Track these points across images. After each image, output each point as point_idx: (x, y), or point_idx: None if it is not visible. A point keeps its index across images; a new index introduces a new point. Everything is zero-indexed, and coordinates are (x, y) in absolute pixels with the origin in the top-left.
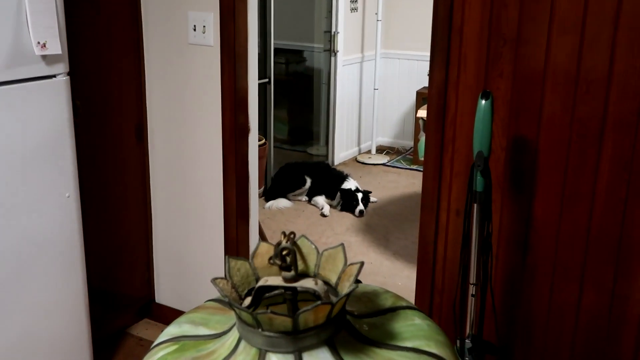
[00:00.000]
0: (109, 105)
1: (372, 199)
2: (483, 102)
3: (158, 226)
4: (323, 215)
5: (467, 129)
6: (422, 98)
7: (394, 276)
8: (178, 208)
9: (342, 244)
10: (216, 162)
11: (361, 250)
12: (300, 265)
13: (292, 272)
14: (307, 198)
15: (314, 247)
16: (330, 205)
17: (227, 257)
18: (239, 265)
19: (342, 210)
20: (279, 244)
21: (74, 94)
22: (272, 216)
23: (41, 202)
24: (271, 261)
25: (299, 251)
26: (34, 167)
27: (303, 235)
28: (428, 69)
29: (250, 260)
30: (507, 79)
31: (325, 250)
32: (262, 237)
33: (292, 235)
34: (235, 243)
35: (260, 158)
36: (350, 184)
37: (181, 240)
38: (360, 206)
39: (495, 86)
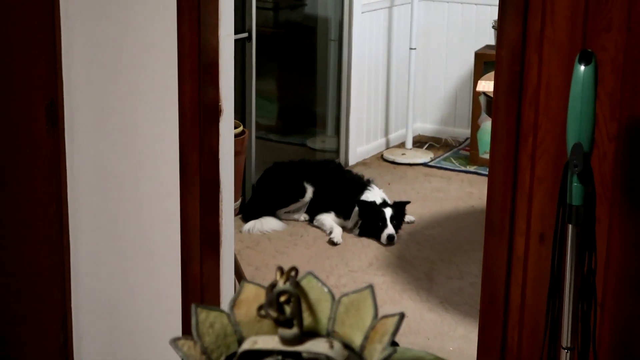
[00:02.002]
0: (3, 73)
1: (407, 217)
2: (582, 68)
3: (80, 261)
4: (332, 242)
5: (557, 110)
6: (484, 63)
7: (442, 336)
8: (111, 232)
9: (371, 286)
10: (170, 161)
11: (391, 296)
12: (307, 319)
13: (295, 330)
14: (307, 216)
15: (327, 290)
16: (343, 228)
17: (194, 306)
18: (213, 318)
19: (361, 234)
20: (272, 285)
21: None
22: (253, 244)
23: None
24: (262, 312)
25: (304, 297)
26: None
27: (310, 273)
28: (495, 18)
29: (229, 311)
30: (619, 32)
31: (345, 295)
32: (239, 275)
33: (293, 273)
34: (199, 285)
35: (237, 154)
36: (373, 195)
37: (116, 282)
38: (390, 229)
39: (599, 44)
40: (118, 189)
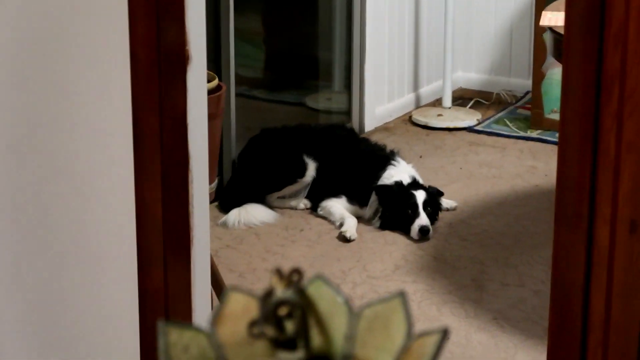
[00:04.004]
0: None
1: (446, 203)
2: None
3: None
4: (344, 238)
5: None
6: None
7: None
8: (39, 232)
9: (403, 293)
10: (119, 130)
11: (427, 311)
12: (316, 339)
13: (300, 353)
14: (308, 203)
15: (342, 300)
16: (359, 218)
17: (162, 324)
18: (187, 339)
19: (383, 227)
20: (268, 294)
21: None
22: (236, 242)
23: None
24: (255, 330)
25: (311, 309)
26: None
27: (319, 276)
28: None
29: (210, 330)
30: None
31: (367, 307)
32: (217, 285)
33: (296, 277)
34: (163, 298)
35: (211, 118)
36: (399, 173)
37: (49, 300)
38: (423, 219)
39: None
40: (46, 171)
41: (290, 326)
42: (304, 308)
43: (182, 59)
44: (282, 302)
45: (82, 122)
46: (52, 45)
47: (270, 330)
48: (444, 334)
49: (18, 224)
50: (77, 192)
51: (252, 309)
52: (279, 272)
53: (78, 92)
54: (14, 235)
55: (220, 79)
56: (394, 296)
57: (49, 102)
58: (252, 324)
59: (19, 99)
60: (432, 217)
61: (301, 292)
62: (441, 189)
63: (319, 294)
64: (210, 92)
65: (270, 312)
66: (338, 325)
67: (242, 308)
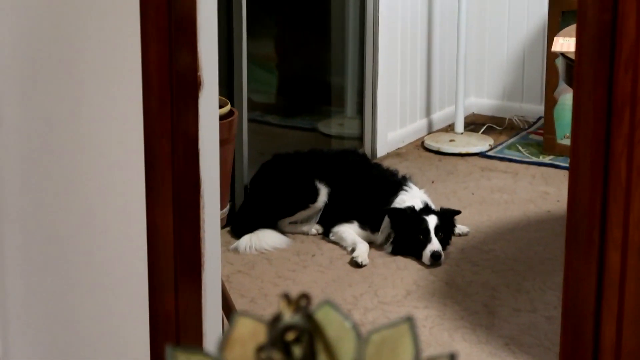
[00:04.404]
0: None
1: (458, 228)
2: None
3: (8, 295)
4: (356, 263)
5: None
6: (561, 13)
7: None
8: (50, 254)
9: (410, 318)
10: (131, 153)
11: (438, 336)
12: None
13: None
14: (320, 228)
15: (350, 325)
16: (371, 243)
17: (170, 348)
18: None
19: (395, 252)
20: (276, 318)
21: None
22: (247, 267)
23: None
24: (263, 355)
25: (319, 334)
26: None
27: (327, 302)
28: None
29: (218, 354)
30: None
31: (375, 332)
32: (228, 310)
33: (304, 302)
34: (174, 324)
35: (223, 144)
36: (411, 198)
37: (59, 324)
38: (435, 244)
39: None
40: (59, 194)
41: (297, 351)
42: (311, 333)
43: (194, 84)
44: (289, 327)
45: (94, 146)
46: (65, 69)
47: (277, 355)
48: (452, 358)
49: (29, 247)
50: (88, 215)
51: (260, 334)
52: (287, 297)
53: (91, 116)
54: (25, 256)
55: (232, 105)
56: (402, 321)
57: (62, 125)
58: (260, 348)
59: (32, 123)
60: (444, 242)
61: (309, 317)
62: (454, 211)
63: (327, 318)
64: (222, 117)
65: (277, 336)
66: (346, 351)
67: (250, 333)
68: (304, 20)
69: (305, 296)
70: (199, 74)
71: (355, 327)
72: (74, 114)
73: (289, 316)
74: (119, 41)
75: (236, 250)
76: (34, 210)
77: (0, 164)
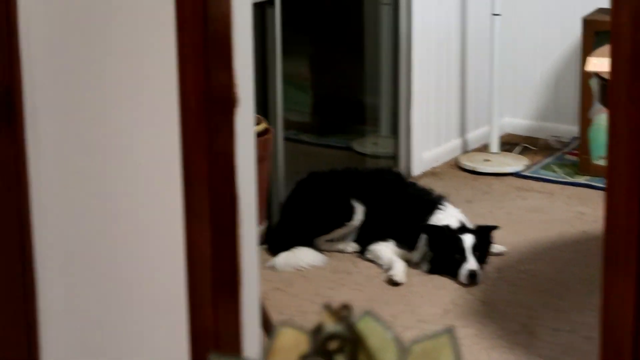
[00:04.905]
0: None
1: (495, 247)
2: None
3: (49, 308)
4: (392, 281)
5: None
6: (595, 33)
7: None
8: (90, 269)
9: (451, 330)
10: (168, 170)
11: (476, 355)
12: None
13: None
14: (356, 246)
15: (391, 336)
16: (407, 262)
17: (215, 355)
18: None
19: (432, 271)
20: (319, 328)
21: None
22: (285, 284)
23: None
24: None
25: (361, 343)
26: None
27: (368, 312)
28: None
29: None
30: None
31: (416, 342)
32: (267, 327)
33: (346, 312)
34: (213, 339)
35: (259, 161)
36: (447, 217)
37: (99, 339)
38: (471, 263)
39: None
40: (98, 209)
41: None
42: (354, 342)
43: (230, 102)
44: (332, 336)
45: (132, 164)
46: (103, 87)
47: None
48: None
49: (68, 263)
50: (127, 232)
51: (303, 344)
52: (328, 308)
53: (128, 134)
54: (64, 273)
55: (267, 123)
56: (443, 332)
57: (99, 143)
58: (303, 357)
59: (70, 141)
60: (481, 261)
61: (351, 327)
62: (489, 228)
63: (368, 329)
64: (258, 135)
65: (320, 346)
66: None
67: (293, 342)
68: (338, 40)
69: (346, 307)
70: (234, 91)
71: (397, 338)
72: (112, 132)
73: (331, 326)
74: (155, 59)
75: (273, 267)
76: (73, 228)
77: (39, 179)
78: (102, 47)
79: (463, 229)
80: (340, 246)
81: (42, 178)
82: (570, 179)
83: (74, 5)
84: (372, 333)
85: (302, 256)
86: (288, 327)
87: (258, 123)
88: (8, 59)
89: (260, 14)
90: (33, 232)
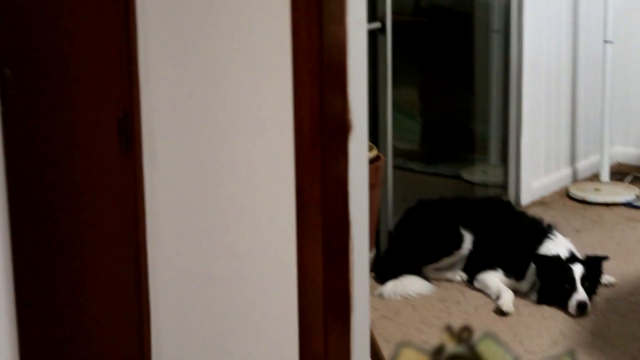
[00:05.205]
0: (64, 76)
1: (604, 278)
2: None
3: (161, 329)
4: (500, 311)
5: None
6: None
7: None
8: (202, 292)
9: (572, 351)
10: (282, 195)
11: None
12: None
13: None
14: (464, 275)
15: (510, 357)
16: (515, 292)
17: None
18: None
19: (540, 301)
20: (439, 349)
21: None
22: (392, 313)
23: None
24: None
25: None
26: None
27: (489, 334)
28: None
29: None
30: None
31: None
32: (376, 355)
33: (466, 333)
34: None
35: (370, 188)
36: (556, 247)
37: (209, 356)
38: (581, 294)
39: None
40: (212, 233)
41: None
42: None
43: (344, 128)
44: (454, 357)
45: (245, 188)
46: (218, 113)
47: None
48: None
49: (181, 287)
50: (239, 256)
51: None
52: (449, 329)
53: (243, 159)
54: (177, 297)
55: (378, 149)
56: (564, 353)
57: (213, 168)
58: None
59: (185, 167)
60: (590, 292)
61: (472, 348)
62: (599, 258)
63: (489, 351)
64: (369, 162)
65: None
66: None
67: None
68: (448, 67)
69: (467, 328)
70: (348, 117)
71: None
72: (226, 157)
73: (452, 347)
74: (270, 85)
75: (381, 295)
76: (186, 251)
77: (154, 205)
78: (218, 72)
79: (573, 259)
80: (448, 275)
81: (158, 203)
82: None
83: (191, 31)
84: (493, 355)
85: (409, 284)
86: (409, 347)
87: (370, 150)
88: (126, 84)
89: (372, 41)
90: (148, 257)
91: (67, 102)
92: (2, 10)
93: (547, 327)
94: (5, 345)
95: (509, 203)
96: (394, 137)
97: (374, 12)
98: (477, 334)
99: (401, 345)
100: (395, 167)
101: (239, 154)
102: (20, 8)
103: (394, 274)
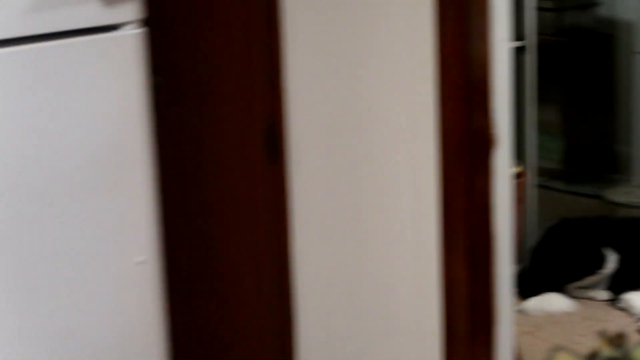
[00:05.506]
0: (212, 84)
1: None
2: None
3: (305, 339)
4: None
5: None
6: None
7: None
8: (347, 304)
9: None
10: (427, 207)
11: None
12: None
13: None
14: (609, 294)
15: None
16: None
17: None
18: None
19: None
20: (594, 354)
21: (154, 63)
22: (534, 328)
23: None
24: None
25: None
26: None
27: None
28: None
29: None
30: None
31: None
32: None
33: (621, 339)
34: None
35: (516, 203)
36: None
37: None
38: None
39: None
40: (356, 243)
41: None
42: None
43: (488, 143)
44: None
45: (390, 202)
46: (362, 125)
47: None
48: None
49: (327, 295)
50: (382, 268)
51: None
52: (604, 335)
53: (388, 173)
54: (323, 303)
55: (523, 167)
56: None
57: (358, 183)
58: None
59: (330, 183)
60: None
61: (627, 354)
62: None
63: None
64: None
65: None
66: None
67: None
68: (590, 87)
69: (622, 335)
70: (492, 132)
71: None
72: (370, 169)
73: (607, 351)
74: (414, 98)
75: (523, 311)
76: (330, 262)
77: (301, 217)
78: (362, 83)
79: None
80: (592, 294)
81: (304, 215)
82: None
83: (337, 42)
84: None
85: (552, 301)
86: (564, 351)
87: (514, 166)
88: (272, 94)
89: (515, 59)
90: (293, 267)
91: (215, 112)
92: (156, 21)
93: None
94: (155, 342)
95: None
96: (537, 156)
97: (518, 30)
98: (631, 341)
99: (556, 349)
100: (537, 186)
101: (383, 168)
102: (174, 20)
103: (537, 291)
